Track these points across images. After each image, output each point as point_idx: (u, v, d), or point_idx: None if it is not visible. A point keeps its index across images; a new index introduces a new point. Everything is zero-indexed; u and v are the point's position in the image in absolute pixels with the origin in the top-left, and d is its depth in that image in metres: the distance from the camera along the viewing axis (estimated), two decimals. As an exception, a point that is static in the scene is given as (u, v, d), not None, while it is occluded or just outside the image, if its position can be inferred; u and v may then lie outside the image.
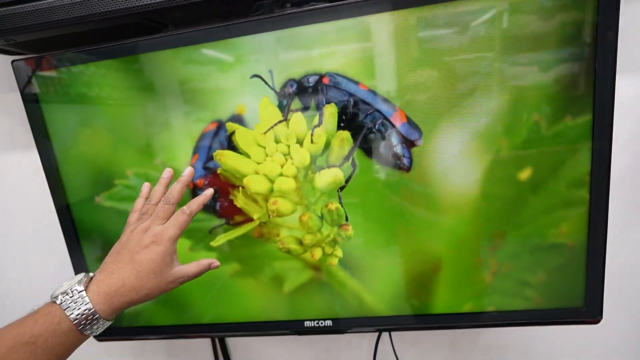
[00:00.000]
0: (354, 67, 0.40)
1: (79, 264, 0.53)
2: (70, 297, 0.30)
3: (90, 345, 0.64)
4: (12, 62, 0.45)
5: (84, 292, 0.30)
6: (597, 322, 0.42)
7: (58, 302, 0.30)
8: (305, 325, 0.49)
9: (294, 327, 0.50)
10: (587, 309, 0.43)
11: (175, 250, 0.34)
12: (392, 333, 0.57)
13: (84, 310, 0.29)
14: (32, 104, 0.48)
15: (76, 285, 0.30)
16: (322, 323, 0.49)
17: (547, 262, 0.43)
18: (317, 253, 0.47)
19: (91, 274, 0.33)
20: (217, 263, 0.38)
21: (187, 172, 0.37)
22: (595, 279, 0.41)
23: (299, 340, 0.62)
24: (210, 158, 0.47)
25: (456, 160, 0.42)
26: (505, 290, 0.45)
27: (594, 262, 0.41)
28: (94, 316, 0.29)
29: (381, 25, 0.38)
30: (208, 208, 0.48)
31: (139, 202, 0.38)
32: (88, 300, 0.29)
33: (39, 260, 0.65)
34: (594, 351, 0.56)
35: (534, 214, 0.42)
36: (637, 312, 0.54)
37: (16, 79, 0.46)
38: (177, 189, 0.36)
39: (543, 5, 0.35)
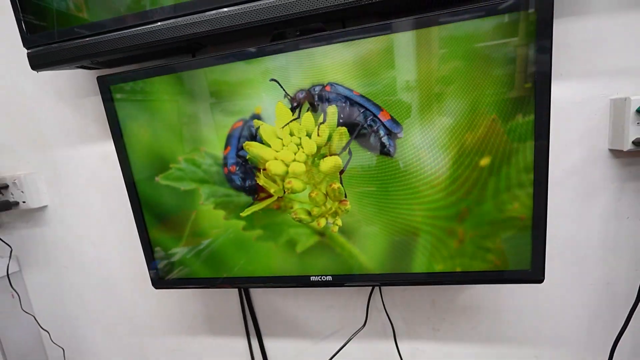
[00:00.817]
0: (348, 78, 0.52)
1: (142, 229, 0.70)
2: None
3: (146, 294, 0.81)
4: (98, 77, 0.61)
5: None
6: (540, 282, 0.53)
7: None
8: (311, 279, 0.63)
9: (302, 281, 0.64)
10: (533, 271, 0.53)
11: None
12: (383, 293, 0.70)
13: None
14: (110, 106, 0.64)
15: None
16: (324, 278, 0.62)
17: (503, 232, 0.54)
18: (322, 222, 0.60)
19: None
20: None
21: None
22: (538, 247, 0.52)
23: (308, 295, 0.76)
24: (240, 148, 0.61)
25: (430, 149, 0.53)
26: (470, 254, 0.56)
27: (537, 233, 0.51)
28: None
29: (368, 46, 0.50)
30: (240, 187, 0.62)
31: None
32: None
33: (109, 227, 0.83)
34: (548, 308, 0.66)
35: (492, 192, 0.53)
36: (578, 275, 0.63)
37: (99, 88, 0.62)
38: None
39: (495, 32, 0.46)
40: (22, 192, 0.82)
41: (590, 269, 0.63)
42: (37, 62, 0.63)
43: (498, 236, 0.54)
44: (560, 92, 0.57)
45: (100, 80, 0.62)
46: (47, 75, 0.75)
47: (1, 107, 0.81)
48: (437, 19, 0.47)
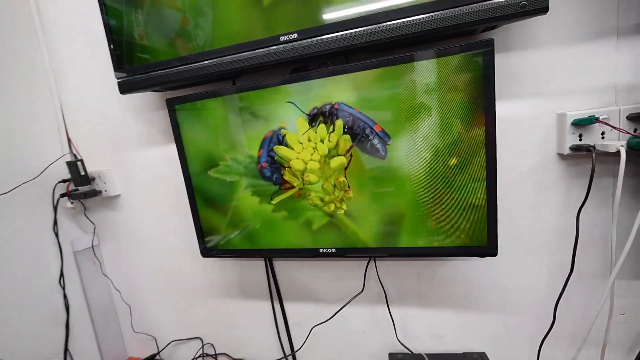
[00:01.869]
0: (351, 99, 0.71)
1: (194, 212, 0.91)
2: None
3: (193, 265, 1.04)
4: (166, 99, 0.83)
5: None
6: (494, 255, 0.69)
7: None
8: (320, 251, 0.82)
9: (313, 253, 0.83)
10: (488, 247, 0.70)
11: None
12: (377, 266, 0.88)
13: None
14: (174, 119, 0.86)
15: None
16: (330, 250, 0.81)
17: (469, 216, 0.71)
18: (332, 207, 0.79)
19: None
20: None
21: None
22: (492, 227, 0.68)
23: (320, 267, 0.96)
24: (270, 150, 0.81)
25: (412, 152, 0.71)
26: (444, 232, 0.73)
27: (491, 216, 0.68)
28: None
29: (363, 76, 0.69)
30: (269, 179, 0.82)
31: None
32: None
33: (167, 211, 1.06)
34: (511, 283, 0.82)
35: (460, 185, 0.70)
36: (536, 256, 0.79)
37: (167, 106, 0.84)
38: None
39: (455, 66, 0.63)
40: (104, 183, 1.07)
41: (546, 251, 0.78)
42: (124, 89, 0.87)
43: (466, 219, 0.71)
44: (516, 109, 0.73)
45: (168, 101, 0.85)
46: (127, 96, 0.99)
47: (92, 120, 1.06)
48: (411, 58, 0.65)
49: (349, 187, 0.77)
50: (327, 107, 0.73)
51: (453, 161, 0.69)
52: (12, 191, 0.95)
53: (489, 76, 0.62)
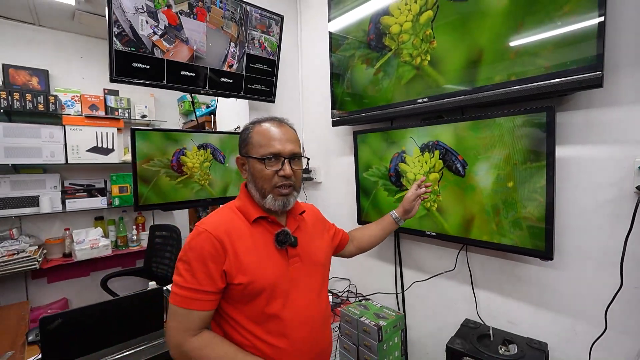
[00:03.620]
0: (446, 139, 1.15)
1: (357, 196, 1.59)
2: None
3: (351, 227, 1.73)
4: (354, 131, 1.55)
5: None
6: (550, 259, 0.93)
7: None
8: (425, 233, 1.29)
9: (421, 234, 1.30)
10: (546, 251, 0.94)
11: None
12: (468, 254, 1.23)
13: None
14: (355, 142, 1.56)
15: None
16: (431, 233, 1.26)
17: (522, 224, 0.99)
18: (428, 204, 1.25)
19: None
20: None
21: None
22: (549, 236, 0.93)
23: (427, 248, 1.40)
24: (396, 164, 1.36)
25: (483, 174, 1.07)
26: (502, 233, 1.04)
27: (548, 228, 0.93)
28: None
29: (455, 126, 1.12)
30: (394, 183, 1.37)
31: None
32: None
33: (343, 195, 1.80)
34: (581, 292, 0.96)
35: (513, 201, 1.00)
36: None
37: (353, 135, 1.55)
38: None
39: (523, 123, 0.96)
40: (315, 174, 1.95)
41: (611, 268, 0.90)
42: (336, 123, 1.66)
43: (519, 226, 1.00)
44: (596, 152, 0.92)
45: (355, 132, 1.56)
46: (335, 127, 1.80)
47: (316, 137, 1.97)
48: (492, 115, 1.03)
49: (439, 193, 1.21)
50: (431, 143, 1.21)
51: (510, 184, 1.00)
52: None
53: (551, 128, 0.91)
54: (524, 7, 0.95)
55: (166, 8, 1.33)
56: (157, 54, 1.35)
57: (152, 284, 1.55)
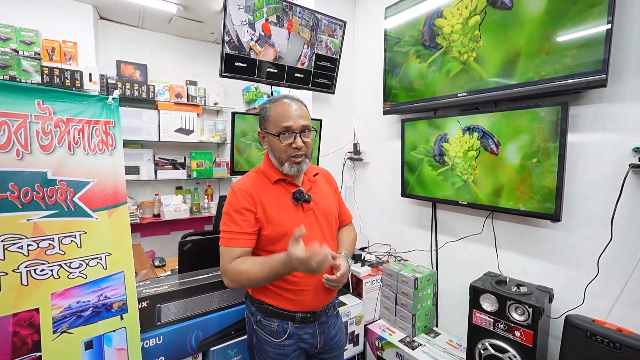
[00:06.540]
0: (484, 122, 1.44)
1: (402, 172, 1.91)
2: None
3: (397, 203, 2.07)
4: (402, 119, 1.87)
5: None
6: (558, 220, 1.21)
7: None
8: (459, 202, 1.59)
9: (455, 203, 1.61)
10: (555, 214, 1.22)
11: None
12: (494, 219, 1.52)
13: None
14: (402, 128, 1.88)
15: None
16: (463, 203, 1.56)
17: (541, 192, 1.26)
18: (465, 177, 1.54)
19: None
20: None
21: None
22: (558, 201, 1.20)
23: (458, 216, 1.69)
24: (440, 145, 1.66)
25: (512, 152, 1.35)
26: (525, 199, 1.32)
27: (558, 194, 1.20)
28: None
29: (492, 115, 1.40)
30: (437, 161, 1.68)
31: None
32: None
33: (386, 171, 2.13)
34: (584, 248, 1.21)
35: (534, 174, 1.27)
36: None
37: (402, 123, 1.87)
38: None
39: (545, 113, 1.23)
40: (364, 155, 2.29)
41: (605, 227, 1.15)
42: (387, 112, 1.99)
43: (538, 193, 1.27)
44: (599, 138, 1.17)
45: (403, 120, 1.88)
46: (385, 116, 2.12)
47: (366, 125, 2.30)
48: (519, 107, 1.31)
49: (476, 167, 1.50)
50: (472, 127, 1.50)
51: (534, 160, 1.28)
52: (332, 153, 2.33)
53: (565, 119, 1.17)
54: (554, 17, 1.20)
55: (264, 21, 1.73)
56: (252, 55, 1.75)
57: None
